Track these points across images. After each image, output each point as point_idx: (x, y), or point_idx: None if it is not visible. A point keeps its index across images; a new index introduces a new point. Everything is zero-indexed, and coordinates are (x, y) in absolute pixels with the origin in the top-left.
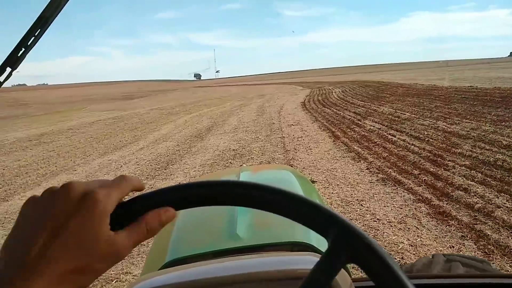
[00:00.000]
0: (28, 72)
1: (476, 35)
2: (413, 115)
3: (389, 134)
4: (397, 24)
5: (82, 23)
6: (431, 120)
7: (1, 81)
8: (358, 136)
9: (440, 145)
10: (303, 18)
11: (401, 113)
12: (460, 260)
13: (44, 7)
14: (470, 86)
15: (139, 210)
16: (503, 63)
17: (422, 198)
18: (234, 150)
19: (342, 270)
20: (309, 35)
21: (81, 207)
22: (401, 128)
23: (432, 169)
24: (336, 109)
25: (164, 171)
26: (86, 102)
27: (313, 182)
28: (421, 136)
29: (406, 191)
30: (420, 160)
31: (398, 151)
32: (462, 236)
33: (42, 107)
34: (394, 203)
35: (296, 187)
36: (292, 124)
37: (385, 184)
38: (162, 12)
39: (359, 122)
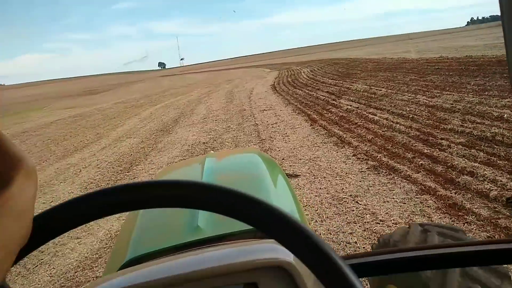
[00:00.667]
0: None
1: (434, 7)
2: (389, 90)
3: (369, 113)
4: (357, 2)
5: (37, 18)
6: (409, 94)
7: None
8: (336, 118)
9: (427, 121)
10: (266, 1)
11: (376, 89)
12: (436, 230)
13: None
14: (441, 57)
15: None
16: (463, 32)
17: (425, 188)
18: (204, 143)
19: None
20: (273, 17)
21: None
22: (380, 105)
23: (426, 151)
24: (307, 89)
25: (127, 173)
26: (47, 101)
27: (296, 176)
28: (403, 113)
29: (404, 180)
30: (410, 141)
31: (383, 131)
32: (489, 237)
33: (5, 108)
34: (394, 197)
35: (262, 173)
36: (264, 109)
37: (379, 173)
38: (120, 3)
39: (334, 102)
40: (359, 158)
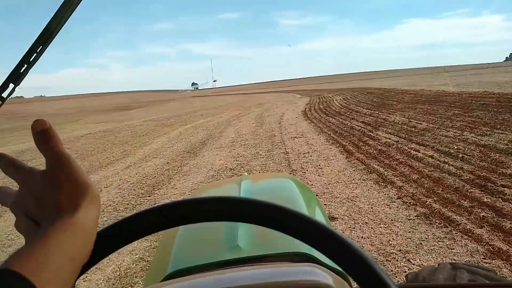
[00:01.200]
0: (25, 84)
1: (470, 41)
2: (431, 124)
3: (411, 148)
4: (392, 32)
5: (80, 35)
6: (455, 130)
7: (4, 96)
8: (374, 152)
9: (480, 163)
10: (299, 27)
11: (416, 123)
12: (466, 268)
13: (47, 22)
14: (485, 91)
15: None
16: (501, 68)
17: (494, 249)
18: (231, 169)
19: (343, 281)
20: (305, 43)
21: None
22: (422, 141)
23: (486, 199)
24: (341, 118)
25: (148, 198)
26: (83, 114)
27: (333, 218)
28: (451, 151)
29: (465, 236)
30: (464, 186)
31: (429, 171)
32: None
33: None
34: (455, 257)
35: (297, 197)
36: (295, 137)
37: (431, 223)
38: (159, 23)
39: (371, 133)
40: (405, 202)
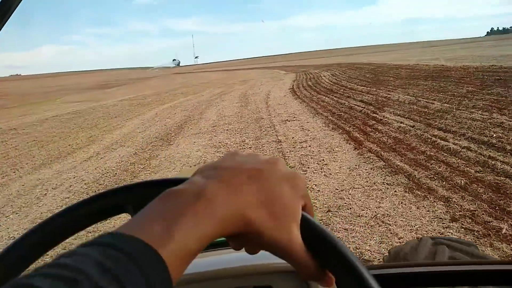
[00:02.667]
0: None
1: (452, 16)
2: (446, 104)
3: (435, 136)
4: (374, 7)
5: (57, 10)
6: (480, 112)
7: None
8: (390, 141)
9: None
10: (283, 2)
11: (426, 102)
12: (447, 244)
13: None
14: (492, 65)
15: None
16: (485, 42)
17: None
18: None
19: None
20: (289, 19)
21: (290, 180)
22: (445, 126)
23: None
24: (335, 96)
25: None
26: (62, 93)
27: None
28: (492, 141)
29: None
30: None
31: (477, 172)
32: None
33: (16, 99)
34: None
35: None
36: (286, 120)
37: None
38: None
39: (376, 115)
40: (469, 229)
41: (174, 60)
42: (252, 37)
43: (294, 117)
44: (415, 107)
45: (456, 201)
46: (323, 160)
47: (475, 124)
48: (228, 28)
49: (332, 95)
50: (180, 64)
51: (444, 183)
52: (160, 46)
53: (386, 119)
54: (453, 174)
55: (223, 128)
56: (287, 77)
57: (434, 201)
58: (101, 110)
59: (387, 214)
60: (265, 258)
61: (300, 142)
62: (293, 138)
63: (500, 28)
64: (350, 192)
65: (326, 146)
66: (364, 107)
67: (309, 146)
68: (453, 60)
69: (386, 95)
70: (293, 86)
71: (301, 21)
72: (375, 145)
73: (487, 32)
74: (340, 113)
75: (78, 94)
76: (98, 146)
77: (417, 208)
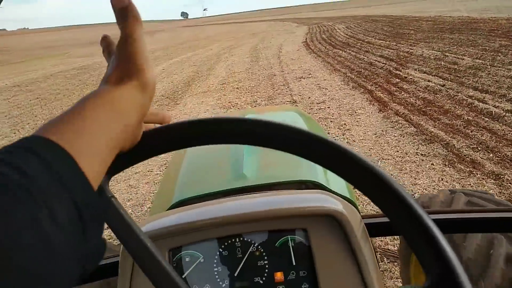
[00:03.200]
0: (7, 16)
1: None
2: (478, 60)
3: (471, 97)
4: None
5: None
6: None
7: None
8: (418, 102)
9: None
10: None
11: (455, 58)
12: (464, 192)
13: None
14: None
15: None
16: None
17: None
18: None
19: (352, 206)
20: None
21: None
22: (481, 85)
23: None
24: (352, 51)
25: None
26: (69, 47)
27: None
28: None
29: None
30: None
31: None
32: None
33: (22, 54)
34: None
35: (305, 127)
36: (301, 77)
37: None
38: None
39: (399, 72)
40: None
41: (182, 12)
42: None
43: (309, 74)
44: (442, 63)
45: (509, 178)
46: (344, 124)
47: None
48: None
49: (348, 49)
50: (188, 17)
51: (491, 155)
52: None
53: (411, 77)
54: (500, 144)
55: (233, 85)
56: (299, 30)
57: (482, 179)
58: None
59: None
60: (301, 201)
61: (317, 103)
62: (309, 98)
63: None
64: (378, 164)
65: (347, 108)
66: (385, 63)
67: (328, 107)
68: (476, 11)
69: (408, 49)
70: (306, 39)
71: None
72: (402, 107)
73: None
74: (360, 70)
75: (85, 48)
76: None
77: (463, 187)
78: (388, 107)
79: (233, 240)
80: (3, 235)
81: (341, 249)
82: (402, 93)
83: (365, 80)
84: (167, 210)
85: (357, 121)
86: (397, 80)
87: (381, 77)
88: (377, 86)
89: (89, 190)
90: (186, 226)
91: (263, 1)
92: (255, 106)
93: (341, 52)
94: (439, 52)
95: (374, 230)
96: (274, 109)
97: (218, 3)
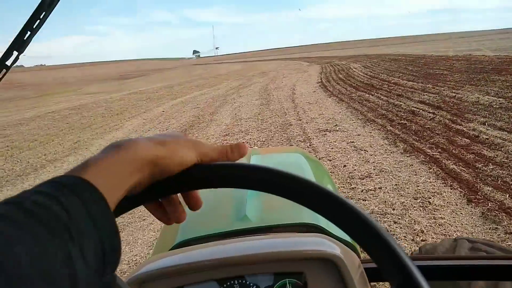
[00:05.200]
0: (26, 53)
1: (478, 7)
2: None
3: None
4: None
5: (79, 1)
6: None
7: (8, 65)
8: None
9: None
10: None
11: None
12: (467, 239)
13: None
14: None
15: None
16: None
17: None
18: None
19: (350, 251)
20: (309, 9)
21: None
22: None
23: None
24: (381, 94)
25: None
26: (83, 83)
27: None
28: None
29: None
30: None
31: None
32: None
33: (37, 89)
34: None
35: (309, 171)
36: (326, 129)
37: None
38: None
39: (461, 127)
40: None
41: (194, 51)
42: (271, 28)
43: (336, 125)
44: None
45: None
46: (421, 232)
47: None
48: (248, 19)
49: (375, 92)
50: (200, 55)
51: None
52: (180, 37)
53: (485, 136)
54: None
55: (237, 137)
56: (312, 69)
57: None
58: (104, 106)
59: None
60: (298, 245)
61: (360, 178)
62: (344, 166)
63: None
64: None
65: (411, 192)
66: (434, 112)
67: (379, 188)
68: (499, 51)
69: (453, 94)
70: (321, 79)
71: (321, 12)
72: (501, 192)
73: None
74: (402, 121)
75: (96, 85)
76: (77, 158)
77: None
78: (480, 194)
79: (233, 282)
80: (37, 264)
81: None
82: (489, 164)
83: (418, 138)
84: (169, 250)
85: (441, 226)
86: (466, 140)
87: (439, 134)
88: (440, 150)
89: (116, 235)
90: (186, 267)
91: (272, 41)
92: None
93: (367, 95)
94: (501, 99)
95: (374, 274)
96: (279, 150)
97: (229, 42)
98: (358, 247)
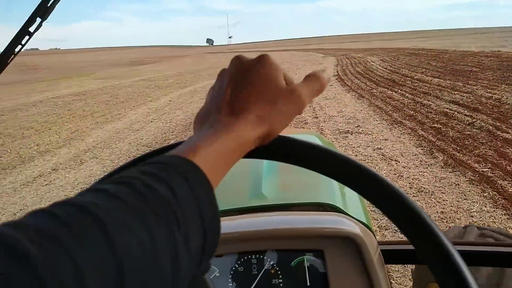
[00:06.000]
0: (41, 35)
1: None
2: None
3: None
4: None
5: None
6: None
7: (31, 31)
8: None
9: None
10: None
11: None
12: (492, 235)
13: None
14: None
15: None
16: None
17: None
18: None
19: (369, 232)
20: (325, 1)
21: (260, 64)
22: None
23: None
24: (406, 91)
25: None
26: (96, 68)
27: None
28: None
29: None
30: None
31: None
32: None
33: (52, 72)
34: None
35: None
36: (347, 131)
37: None
38: None
39: (509, 135)
40: None
41: (208, 39)
42: (286, 18)
43: (358, 126)
44: None
45: None
46: None
47: None
48: (262, 8)
49: (399, 89)
50: (214, 44)
51: None
52: (194, 25)
53: None
54: None
55: None
56: (327, 61)
57: None
58: (110, 92)
59: None
60: (318, 222)
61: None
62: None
63: None
64: None
65: (462, 225)
66: (471, 116)
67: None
68: None
69: (490, 94)
70: (338, 72)
71: (338, 3)
72: None
73: None
74: (435, 125)
75: (109, 70)
76: (70, 150)
77: None
78: None
79: (250, 256)
80: (145, 252)
81: (356, 272)
82: None
83: (459, 147)
84: None
85: None
86: None
87: (484, 143)
88: (491, 165)
89: (217, 219)
90: None
91: (286, 32)
92: None
93: (389, 92)
94: None
95: (389, 257)
96: (293, 131)
97: (243, 32)
98: (373, 228)
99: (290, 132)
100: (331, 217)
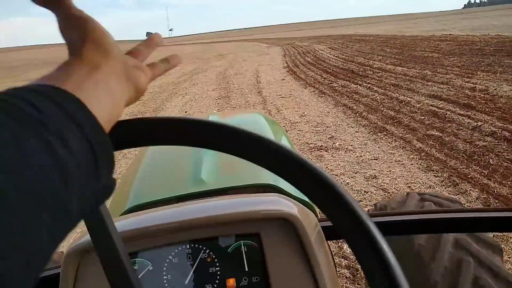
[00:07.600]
0: None
1: None
2: None
3: None
4: None
5: None
6: None
7: None
8: None
9: None
10: None
11: None
12: (433, 200)
13: None
14: None
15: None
16: (467, 14)
17: None
18: None
19: (307, 210)
20: None
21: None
22: None
23: None
24: (372, 84)
25: None
26: (28, 67)
27: None
28: None
29: None
30: None
31: None
32: None
33: None
34: None
35: (267, 131)
36: (321, 147)
37: None
38: None
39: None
40: None
41: (147, 33)
42: (227, 10)
43: (331, 136)
44: None
45: None
46: None
47: None
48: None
49: (363, 82)
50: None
51: None
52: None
53: None
54: None
55: None
56: (273, 51)
57: None
58: None
59: None
60: (253, 204)
61: None
62: None
63: (477, 1)
64: None
65: None
66: (469, 116)
67: None
68: (467, 31)
69: (472, 85)
70: (287, 63)
71: None
72: None
73: (465, 4)
74: (432, 132)
75: (43, 69)
76: None
77: None
78: None
79: (184, 247)
80: (15, 158)
81: (294, 253)
82: None
83: (481, 169)
84: (120, 215)
85: None
86: None
87: (491, 157)
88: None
89: (101, 130)
90: (134, 233)
91: (228, 23)
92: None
93: (353, 86)
94: None
95: (333, 233)
96: (238, 112)
97: (184, 24)
98: (315, 206)
99: (234, 113)
100: (268, 198)
